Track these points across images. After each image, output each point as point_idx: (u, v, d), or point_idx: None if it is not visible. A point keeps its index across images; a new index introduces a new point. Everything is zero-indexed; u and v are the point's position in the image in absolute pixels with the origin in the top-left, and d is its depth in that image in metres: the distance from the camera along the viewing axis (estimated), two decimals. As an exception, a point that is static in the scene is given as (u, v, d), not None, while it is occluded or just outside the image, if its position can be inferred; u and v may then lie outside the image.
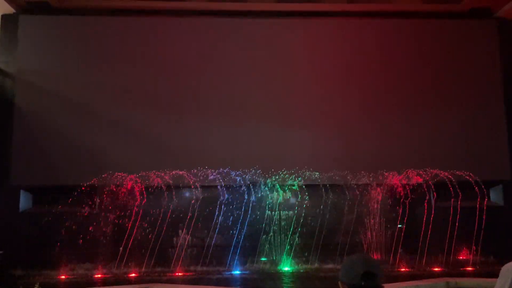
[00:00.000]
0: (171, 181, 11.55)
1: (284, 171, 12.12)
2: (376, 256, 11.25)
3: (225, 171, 11.98)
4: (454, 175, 11.92)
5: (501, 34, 14.04)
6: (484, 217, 11.18)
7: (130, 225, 10.91)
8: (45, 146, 12.72)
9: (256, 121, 13.11)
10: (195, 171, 11.75)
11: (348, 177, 11.99)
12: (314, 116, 13.32)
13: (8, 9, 13.13)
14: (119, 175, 11.52)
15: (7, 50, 13.19)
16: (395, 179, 12.00)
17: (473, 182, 11.54)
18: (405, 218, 11.39)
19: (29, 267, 9.88)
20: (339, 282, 1.96)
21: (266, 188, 12.14)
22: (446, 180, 11.58)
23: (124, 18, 13.73)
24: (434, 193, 12.11)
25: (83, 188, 11.22)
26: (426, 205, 11.67)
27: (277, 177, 12.16)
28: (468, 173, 11.66)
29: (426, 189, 11.80)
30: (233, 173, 12.06)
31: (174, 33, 13.66)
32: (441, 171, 12.03)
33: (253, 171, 12.24)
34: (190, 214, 11.09)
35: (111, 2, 13.67)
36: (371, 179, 12.00)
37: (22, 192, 12.54)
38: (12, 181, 12.43)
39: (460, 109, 13.55)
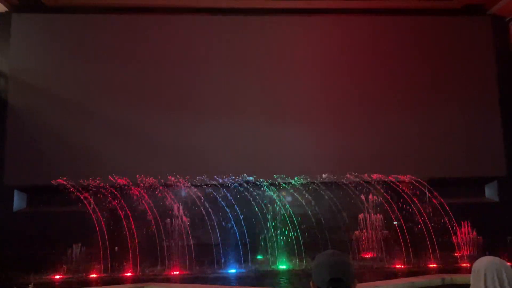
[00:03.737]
0: (166, 181, 11.50)
1: (282, 172, 12.10)
2: (372, 255, 11.26)
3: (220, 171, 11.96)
4: (450, 171, 11.95)
5: (494, 31, 14.09)
6: (479, 214, 11.23)
7: (125, 224, 10.85)
8: (39, 145, 12.64)
9: (252, 119, 13.08)
10: (190, 171, 11.70)
11: (344, 175, 11.98)
12: (311, 114, 13.31)
13: (1, 8, 13.02)
14: (113, 175, 11.46)
15: (0, 48, 13.09)
16: (390, 176, 12.01)
17: (468, 179, 11.59)
18: (401, 215, 11.40)
19: (23, 267, 9.78)
20: (311, 283, 1.94)
21: (262, 187, 12.11)
22: (442, 176, 11.62)
23: (117, 16, 13.66)
24: (430, 190, 12.11)
25: (78, 187, 11.17)
26: (421, 202, 11.68)
27: (274, 175, 12.13)
28: (463, 170, 11.69)
29: (421, 186, 11.81)
30: (229, 172, 12.03)
31: (169, 31, 13.60)
32: (436, 168, 12.07)
33: (250, 169, 12.21)
34: (185, 214, 11.06)
35: (104, 0, 13.58)
36: (366, 176, 11.99)
37: (16, 192, 12.46)
38: (6, 181, 12.34)
39: (455, 106, 13.60)
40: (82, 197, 11.67)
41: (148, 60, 13.33)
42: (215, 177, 11.79)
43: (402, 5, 14.24)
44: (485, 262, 2.48)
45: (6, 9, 13.14)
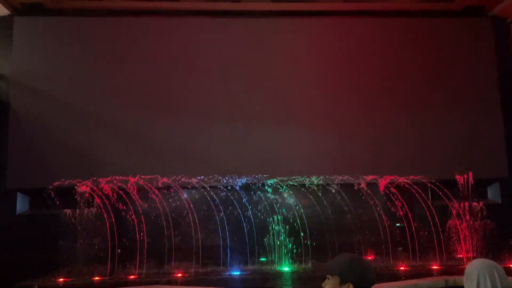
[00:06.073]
0: (167, 182, 11.51)
1: (283, 174, 12.09)
2: (374, 257, 11.26)
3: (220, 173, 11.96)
4: (451, 173, 11.94)
5: (495, 32, 14.11)
6: (481, 215, 11.23)
7: (128, 227, 10.86)
8: (42, 148, 12.65)
9: (253, 121, 13.10)
10: (191, 173, 11.70)
11: (346, 177, 11.99)
12: (311, 116, 13.33)
13: (3, 11, 13.04)
14: (115, 177, 11.46)
15: (1, 52, 13.09)
16: (392, 178, 12.00)
17: (470, 180, 11.58)
18: (404, 217, 11.40)
19: (26, 270, 9.80)
20: (348, 284, 1.96)
21: (263, 189, 12.11)
22: (444, 178, 11.62)
23: (119, 18, 13.69)
24: (432, 192, 12.11)
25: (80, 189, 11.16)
26: (424, 204, 11.68)
27: (275, 177, 12.13)
28: (465, 171, 11.70)
29: (424, 187, 11.80)
30: (229, 174, 12.04)
31: (170, 33, 13.62)
32: (438, 170, 12.06)
33: (251, 171, 12.21)
34: (187, 216, 11.07)
35: (105, 3, 13.62)
36: (368, 178, 12.00)
37: (18, 194, 12.46)
38: (8, 184, 12.34)
39: (456, 107, 13.61)
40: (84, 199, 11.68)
41: (151, 63, 13.34)
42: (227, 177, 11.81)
43: (403, 7, 14.27)
44: (477, 264, 2.59)
45: (9, 12, 13.17)
